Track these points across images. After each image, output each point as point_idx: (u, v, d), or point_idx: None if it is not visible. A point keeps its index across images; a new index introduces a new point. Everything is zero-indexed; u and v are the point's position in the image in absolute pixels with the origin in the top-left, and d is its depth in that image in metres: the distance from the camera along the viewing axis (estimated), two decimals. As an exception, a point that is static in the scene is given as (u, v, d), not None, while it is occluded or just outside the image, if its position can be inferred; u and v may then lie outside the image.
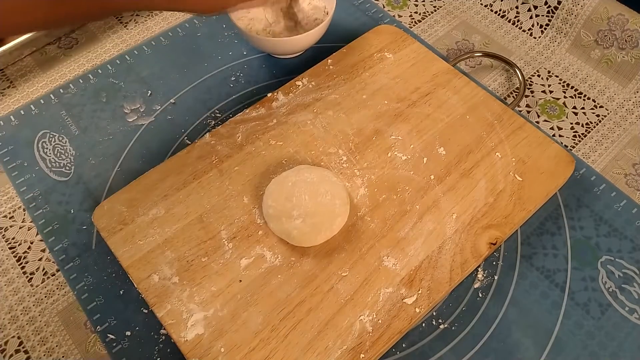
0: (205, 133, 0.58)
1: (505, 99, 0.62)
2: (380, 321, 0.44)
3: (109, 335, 0.47)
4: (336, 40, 0.66)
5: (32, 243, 0.53)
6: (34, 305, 0.49)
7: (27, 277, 0.51)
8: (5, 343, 0.47)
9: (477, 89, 0.59)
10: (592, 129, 0.60)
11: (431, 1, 0.72)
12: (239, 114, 0.57)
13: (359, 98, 0.58)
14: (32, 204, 0.55)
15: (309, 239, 0.47)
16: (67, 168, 0.57)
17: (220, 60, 0.66)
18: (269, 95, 0.59)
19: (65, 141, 0.59)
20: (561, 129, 0.60)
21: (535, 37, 0.68)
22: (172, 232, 0.49)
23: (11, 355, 0.47)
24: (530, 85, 0.63)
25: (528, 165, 0.53)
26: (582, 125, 0.60)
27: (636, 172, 0.56)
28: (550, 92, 0.63)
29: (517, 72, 0.62)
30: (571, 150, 0.58)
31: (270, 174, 0.52)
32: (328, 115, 0.57)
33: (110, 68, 0.65)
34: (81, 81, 0.64)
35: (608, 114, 0.61)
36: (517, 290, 0.49)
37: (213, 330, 0.44)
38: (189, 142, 0.58)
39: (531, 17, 0.68)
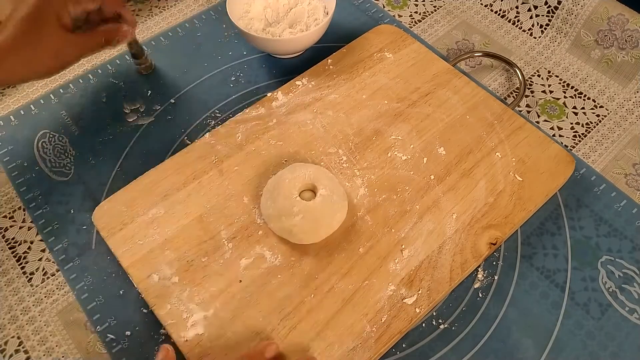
0: (205, 133, 0.58)
1: (505, 99, 0.62)
2: (380, 321, 0.44)
3: (109, 335, 0.47)
4: (336, 40, 0.66)
5: (32, 243, 0.53)
6: (33, 305, 0.49)
7: (27, 277, 0.51)
8: (5, 343, 0.47)
9: (477, 89, 0.59)
10: (592, 129, 0.60)
11: (431, 1, 0.72)
12: (239, 113, 0.57)
13: (359, 98, 0.58)
14: (32, 204, 0.55)
15: (310, 236, 0.47)
16: (67, 168, 0.57)
17: (220, 60, 0.66)
18: (269, 95, 0.59)
19: (65, 141, 0.59)
20: (561, 129, 0.60)
21: (535, 37, 0.67)
22: (172, 232, 0.49)
23: (11, 355, 0.47)
24: (530, 85, 0.63)
25: (528, 165, 0.53)
26: (582, 125, 0.60)
27: (636, 172, 0.56)
28: (551, 92, 0.63)
29: (517, 72, 0.62)
30: (571, 150, 0.58)
31: (270, 174, 0.52)
32: (328, 115, 0.57)
33: (110, 68, 0.65)
34: (81, 81, 0.64)
35: (608, 114, 0.61)
36: (517, 290, 0.49)
37: (213, 330, 0.44)
38: (189, 142, 0.58)
39: (531, 17, 0.68)
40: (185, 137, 0.59)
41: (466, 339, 0.46)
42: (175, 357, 0.41)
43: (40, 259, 0.52)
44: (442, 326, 0.47)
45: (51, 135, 0.60)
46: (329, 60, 0.61)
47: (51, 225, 0.53)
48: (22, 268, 0.52)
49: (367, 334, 0.44)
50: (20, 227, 0.54)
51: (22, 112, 0.61)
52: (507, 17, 0.69)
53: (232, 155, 0.54)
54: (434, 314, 0.47)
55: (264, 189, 0.51)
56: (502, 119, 0.56)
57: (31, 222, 0.54)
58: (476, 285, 0.49)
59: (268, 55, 0.66)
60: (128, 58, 0.65)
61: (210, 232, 0.49)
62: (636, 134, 0.59)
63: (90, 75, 0.64)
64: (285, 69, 0.64)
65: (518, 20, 0.69)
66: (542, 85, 0.63)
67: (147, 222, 0.50)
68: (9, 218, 0.55)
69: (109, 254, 0.50)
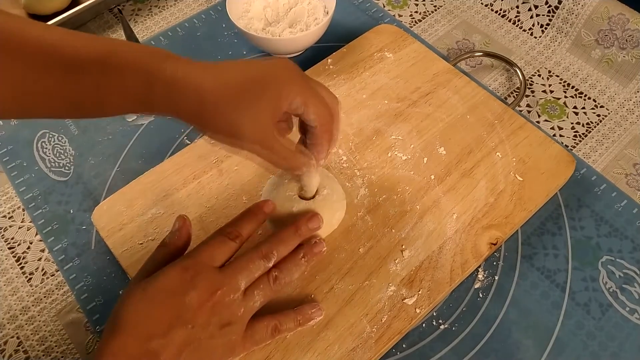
0: (205, 133, 0.58)
1: (505, 98, 0.62)
2: (380, 321, 0.44)
3: (108, 335, 0.47)
4: (336, 39, 0.66)
5: (31, 243, 0.53)
6: (33, 305, 0.49)
7: (27, 277, 0.51)
8: (5, 343, 0.47)
9: (477, 88, 0.58)
10: (592, 129, 0.60)
11: (431, 1, 0.72)
12: (239, 113, 0.57)
13: (359, 98, 0.58)
14: (32, 204, 0.55)
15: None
16: (67, 168, 0.57)
17: (220, 60, 0.65)
18: (269, 95, 0.59)
19: (65, 141, 0.59)
20: (562, 128, 0.60)
21: (535, 37, 0.67)
22: (171, 232, 0.49)
23: (10, 355, 0.47)
24: (531, 85, 0.63)
25: (528, 165, 0.53)
26: (583, 125, 0.60)
27: (637, 172, 0.56)
28: (551, 91, 0.63)
29: (518, 71, 0.62)
30: (572, 150, 0.58)
31: (269, 174, 0.52)
32: (328, 115, 0.57)
33: (110, 68, 0.65)
34: (81, 81, 0.64)
35: (609, 113, 0.61)
36: (518, 290, 0.48)
37: (213, 331, 0.44)
38: (189, 142, 0.58)
39: (532, 17, 0.68)
40: (185, 137, 0.59)
41: (466, 339, 0.46)
42: (191, 225, 0.43)
43: (39, 259, 0.52)
44: (442, 326, 0.47)
45: (51, 135, 0.60)
46: (329, 60, 0.61)
47: (51, 225, 0.53)
48: (22, 268, 0.51)
49: (367, 334, 0.44)
50: (20, 227, 0.54)
51: (22, 112, 0.61)
52: (508, 17, 0.69)
53: (231, 155, 0.54)
54: (434, 314, 0.47)
55: (263, 189, 0.51)
56: (503, 119, 0.56)
57: (31, 222, 0.54)
58: (476, 286, 0.49)
59: (268, 55, 0.66)
60: (128, 58, 0.65)
61: (210, 232, 0.49)
62: (637, 134, 0.59)
63: (90, 75, 0.64)
64: (285, 68, 0.64)
65: (518, 20, 0.69)
66: (543, 85, 0.63)
67: (147, 222, 0.50)
68: (9, 218, 0.55)
69: (109, 254, 0.50)
